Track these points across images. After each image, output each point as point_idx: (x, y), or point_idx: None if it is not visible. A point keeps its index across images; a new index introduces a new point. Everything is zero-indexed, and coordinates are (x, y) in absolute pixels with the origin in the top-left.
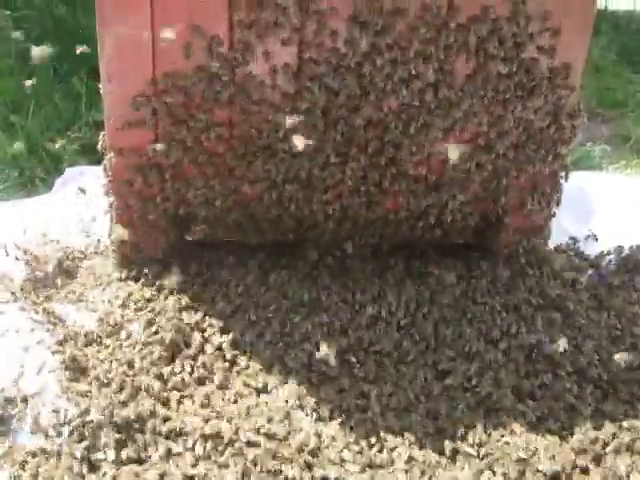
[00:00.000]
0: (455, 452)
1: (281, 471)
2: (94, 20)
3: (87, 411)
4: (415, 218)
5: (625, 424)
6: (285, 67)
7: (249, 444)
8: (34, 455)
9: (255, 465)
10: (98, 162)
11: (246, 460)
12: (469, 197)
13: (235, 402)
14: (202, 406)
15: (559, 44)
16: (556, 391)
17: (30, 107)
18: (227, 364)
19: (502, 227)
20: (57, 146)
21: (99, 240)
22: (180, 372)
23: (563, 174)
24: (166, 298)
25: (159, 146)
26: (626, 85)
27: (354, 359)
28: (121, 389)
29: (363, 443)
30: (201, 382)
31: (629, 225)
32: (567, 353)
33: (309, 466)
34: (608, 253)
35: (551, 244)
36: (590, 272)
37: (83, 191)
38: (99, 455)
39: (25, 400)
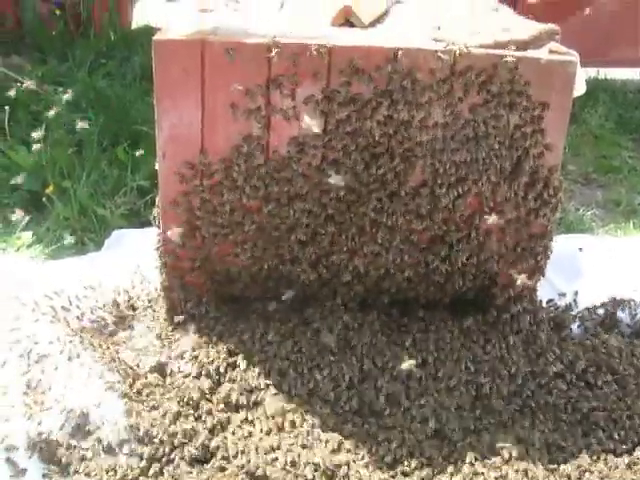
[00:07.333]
0: None
1: None
2: (130, 92)
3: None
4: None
5: None
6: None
7: None
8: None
9: None
10: (142, 225)
11: None
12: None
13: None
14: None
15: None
16: None
17: (82, 174)
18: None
19: (494, 286)
20: (104, 210)
21: (144, 293)
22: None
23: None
24: (211, 345)
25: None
26: (622, 152)
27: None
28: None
29: None
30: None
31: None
32: None
33: None
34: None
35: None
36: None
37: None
38: None
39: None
